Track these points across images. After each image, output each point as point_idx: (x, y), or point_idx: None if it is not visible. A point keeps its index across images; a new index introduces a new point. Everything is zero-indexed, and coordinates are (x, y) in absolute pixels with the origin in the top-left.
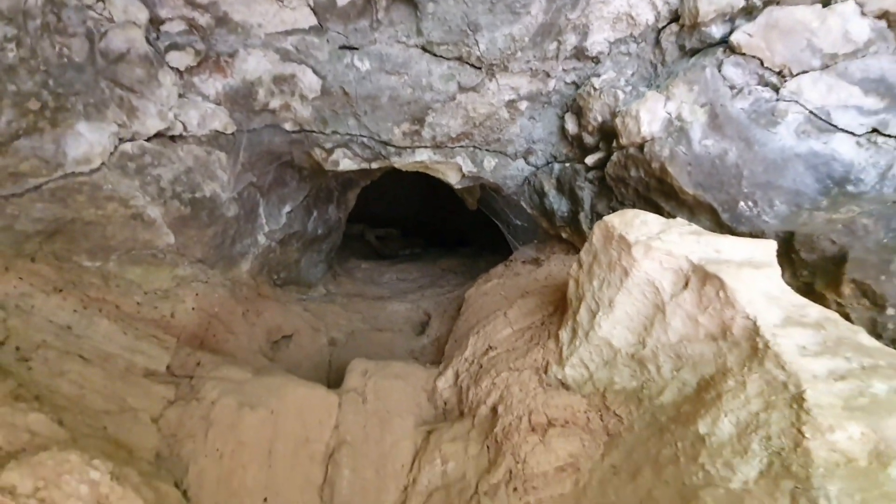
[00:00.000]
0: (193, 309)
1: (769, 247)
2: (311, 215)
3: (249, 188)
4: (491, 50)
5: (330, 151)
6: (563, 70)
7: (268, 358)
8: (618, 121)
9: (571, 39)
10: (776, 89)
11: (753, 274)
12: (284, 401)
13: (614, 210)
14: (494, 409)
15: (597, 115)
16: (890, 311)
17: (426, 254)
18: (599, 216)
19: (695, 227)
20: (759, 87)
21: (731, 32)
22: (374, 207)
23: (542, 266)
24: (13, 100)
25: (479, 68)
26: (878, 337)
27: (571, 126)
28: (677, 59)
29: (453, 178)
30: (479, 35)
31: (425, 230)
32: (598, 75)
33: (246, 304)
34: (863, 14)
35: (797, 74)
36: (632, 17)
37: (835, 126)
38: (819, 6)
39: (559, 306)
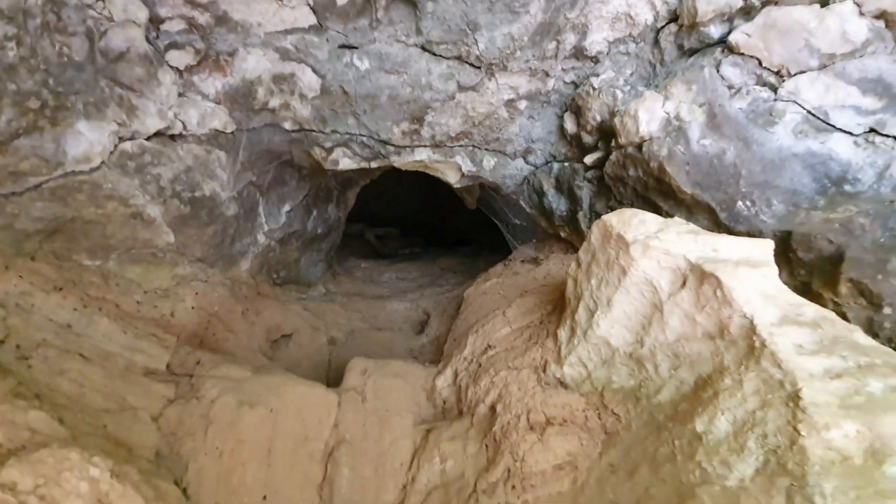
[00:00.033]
0: (193, 308)
1: (766, 246)
2: (311, 214)
3: (249, 187)
4: (490, 49)
5: (329, 150)
6: (563, 69)
7: (267, 357)
8: (616, 120)
9: (570, 39)
10: (774, 89)
11: (750, 273)
12: (284, 399)
13: (613, 209)
14: (493, 408)
15: (595, 114)
16: (886, 310)
17: (425, 253)
18: (598, 215)
19: (692, 226)
20: (757, 87)
21: (729, 32)
22: (374, 207)
23: (540, 265)
24: (13, 99)
25: (479, 67)
26: (875, 336)
27: (570, 125)
28: (676, 58)
29: (452, 178)
30: (479, 34)
31: (425, 229)
32: (597, 75)
33: (245, 303)
34: (861, 14)
35: (795, 74)
36: (631, 17)
37: (832, 126)
38: (817, 6)
39: (558, 305)
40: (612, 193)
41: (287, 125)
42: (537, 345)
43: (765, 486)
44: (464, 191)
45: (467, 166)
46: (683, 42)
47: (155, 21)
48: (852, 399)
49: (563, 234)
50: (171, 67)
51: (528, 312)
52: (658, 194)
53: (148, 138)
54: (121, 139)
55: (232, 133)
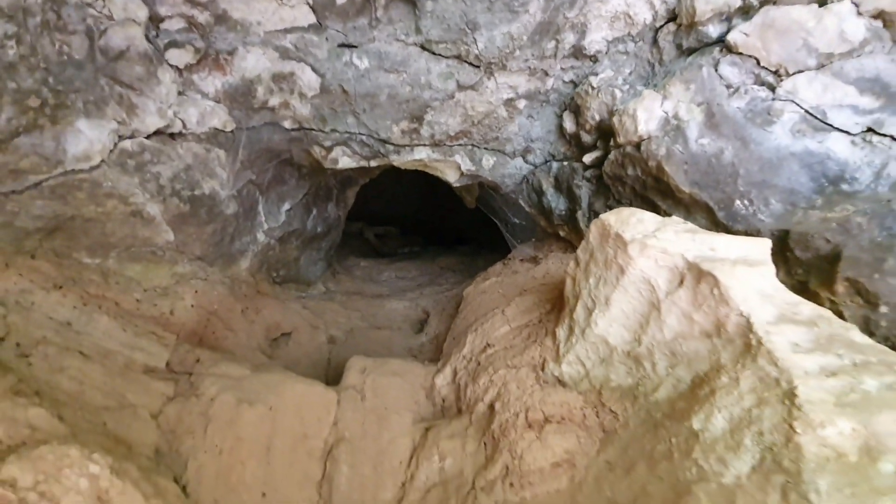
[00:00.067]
0: (193, 306)
1: (764, 245)
2: (311, 213)
3: (248, 186)
4: (489, 48)
5: (329, 149)
6: (562, 69)
7: (267, 355)
8: (615, 119)
9: (569, 38)
10: (772, 88)
11: (748, 272)
12: (283, 397)
13: (612, 208)
14: (492, 406)
15: (594, 113)
16: (883, 309)
17: (425, 252)
18: (597, 214)
19: (690, 225)
20: (756, 87)
21: (727, 32)
22: (374, 205)
23: (539, 264)
24: (13, 97)
25: (478, 67)
26: (871, 334)
27: (569, 125)
28: (674, 58)
29: (452, 177)
30: (478, 33)
31: (424, 228)
32: (596, 74)
33: (245, 302)
34: (859, 14)
35: (793, 74)
36: (629, 17)
37: (830, 125)
38: (815, 6)
39: (556, 304)
40: (611, 192)
41: (286, 124)
42: (536, 343)
43: (760, 484)
44: (463, 190)
45: (466, 165)
46: (682, 41)
47: (155, 20)
48: (848, 397)
49: (562, 234)
50: (171, 66)
51: (526, 311)
52: (656, 193)
53: (148, 137)
54: (120, 137)
55: (231, 132)
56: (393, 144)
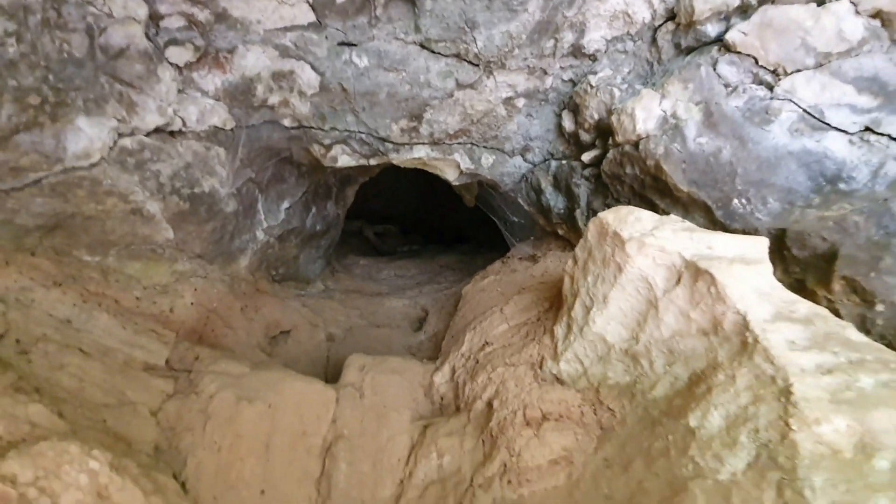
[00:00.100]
0: (192, 304)
1: (761, 243)
2: (310, 211)
3: (248, 184)
4: (488, 47)
5: (328, 148)
6: (561, 68)
7: (266, 353)
8: (614, 118)
9: (568, 37)
10: (770, 88)
11: (744, 270)
12: (282, 395)
13: (610, 207)
14: (490, 404)
15: (593, 112)
16: (879, 307)
17: (425, 251)
18: (595, 213)
19: (688, 223)
20: (754, 86)
21: (726, 31)
22: (373, 204)
23: (538, 263)
24: (13, 95)
25: (477, 65)
26: (867, 332)
27: (568, 123)
28: (673, 57)
29: (451, 175)
30: (477, 32)
31: (424, 227)
32: (595, 73)
33: (244, 300)
34: (857, 13)
35: (791, 73)
36: (628, 15)
37: (828, 124)
38: (813, 5)
39: (555, 302)
40: (610, 191)
41: (286, 122)
42: (534, 341)
43: (756, 480)
44: (462, 188)
45: (466, 164)
46: (680, 40)
47: (154, 18)
48: (843, 394)
49: (560, 232)
50: (171, 64)
51: (525, 309)
52: (655, 192)
53: (147, 135)
54: (120, 135)
55: (231, 130)
56: (392, 143)
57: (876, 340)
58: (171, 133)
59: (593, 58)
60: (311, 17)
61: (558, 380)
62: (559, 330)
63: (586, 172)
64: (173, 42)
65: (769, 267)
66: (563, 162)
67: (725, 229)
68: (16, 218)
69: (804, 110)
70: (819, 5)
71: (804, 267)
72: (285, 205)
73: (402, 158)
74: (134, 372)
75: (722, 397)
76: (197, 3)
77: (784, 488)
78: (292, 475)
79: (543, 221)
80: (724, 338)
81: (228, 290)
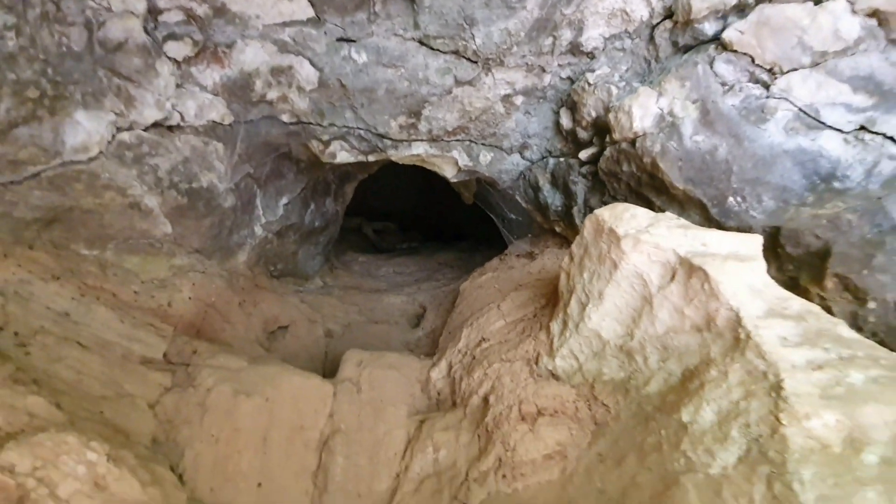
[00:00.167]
0: (190, 298)
1: (755, 241)
2: (309, 208)
3: (247, 179)
4: (487, 44)
5: (327, 144)
6: (559, 65)
7: (264, 348)
8: (611, 116)
9: (566, 35)
10: (766, 86)
11: (738, 267)
12: (280, 389)
13: (607, 204)
14: (486, 399)
15: (591, 110)
16: (871, 305)
17: (423, 248)
18: (592, 210)
19: (683, 220)
20: (750, 84)
21: (723, 29)
22: (372, 201)
23: (535, 260)
24: (12, 88)
25: (476, 62)
26: (859, 330)
27: (566, 121)
28: (670, 55)
29: (449, 172)
30: (476, 29)
31: (423, 224)
32: (593, 70)
33: (243, 295)
34: (853, 12)
35: (787, 72)
36: (626, 13)
37: (823, 123)
38: (810, 4)
39: (551, 299)
40: (607, 189)
41: (285, 118)
42: (530, 337)
43: (746, 474)
44: (461, 185)
45: (464, 161)
46: (678, 39)
47: (153, 12)
48: (833, 390)
49: (558, 229)
50: (169, 58)
51: (522, 306)
52: (651, 189)
53: (146, 129)
54: (119, 129)
55: (230, 125)
56: (391, 139)
57: (868, 337)
58: (170, 127)
59: (591, 55)
60: (310, 13)
61: (554, 375)
62: (555, 326)
63: (583, 170)
64: (172, 36)
65: (763, 264)
66: (561, 159)
67: (721, 227)
68: (14, 211)
69: (800, 109)
70: (816, 4)
71: (798, 264)
72: (284, 200)
73: (400, 155)
74: (132, 365)
75: (714, 393)
76: None
77: (774, 482)
78: (289, 468)
79: (541, 219)
80: (717, 334)
81: (227, 285)
